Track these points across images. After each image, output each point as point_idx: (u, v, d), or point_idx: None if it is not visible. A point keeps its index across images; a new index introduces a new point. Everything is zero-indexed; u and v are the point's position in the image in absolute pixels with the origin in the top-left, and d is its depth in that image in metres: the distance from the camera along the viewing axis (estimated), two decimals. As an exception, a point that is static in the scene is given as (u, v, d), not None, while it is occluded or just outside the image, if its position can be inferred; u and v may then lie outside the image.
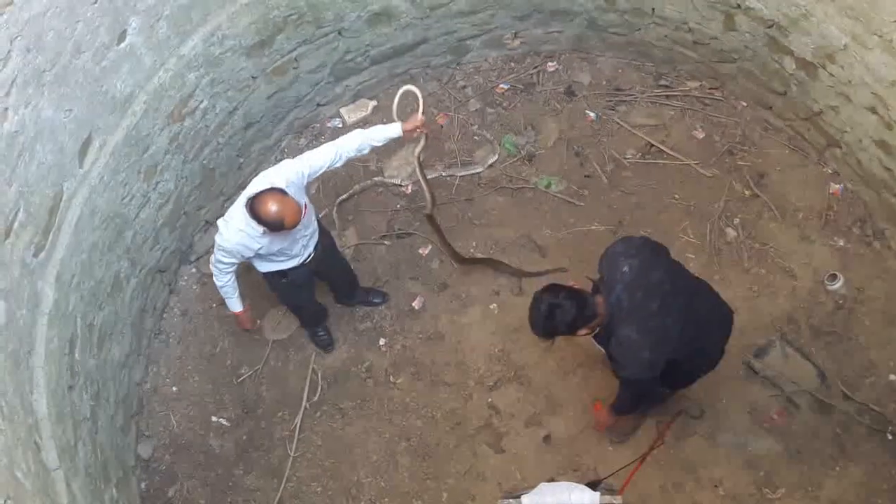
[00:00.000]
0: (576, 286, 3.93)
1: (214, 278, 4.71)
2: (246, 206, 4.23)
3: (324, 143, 4.70)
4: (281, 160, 4.56)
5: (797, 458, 5.15)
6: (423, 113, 4.71)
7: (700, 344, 4.18)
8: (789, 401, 5.29)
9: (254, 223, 4.25)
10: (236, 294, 4.85)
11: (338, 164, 4.60)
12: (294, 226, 4.21)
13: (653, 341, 3.82)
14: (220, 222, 4.42)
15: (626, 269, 3.83)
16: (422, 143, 5.01)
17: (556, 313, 3.75)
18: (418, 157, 5.14)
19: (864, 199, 5.78)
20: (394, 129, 4.63)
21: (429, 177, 6.13)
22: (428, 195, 5.30)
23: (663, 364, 3.93)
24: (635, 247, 3.93)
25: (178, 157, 5.38)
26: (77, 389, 4.58)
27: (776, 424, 5.24)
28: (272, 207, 4.09)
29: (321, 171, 4.55)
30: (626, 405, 4.56)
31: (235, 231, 4.34)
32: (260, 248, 4.44)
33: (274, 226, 4.16)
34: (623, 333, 3.82)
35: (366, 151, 4.67)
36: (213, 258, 4.59)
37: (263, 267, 4.81)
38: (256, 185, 4.29)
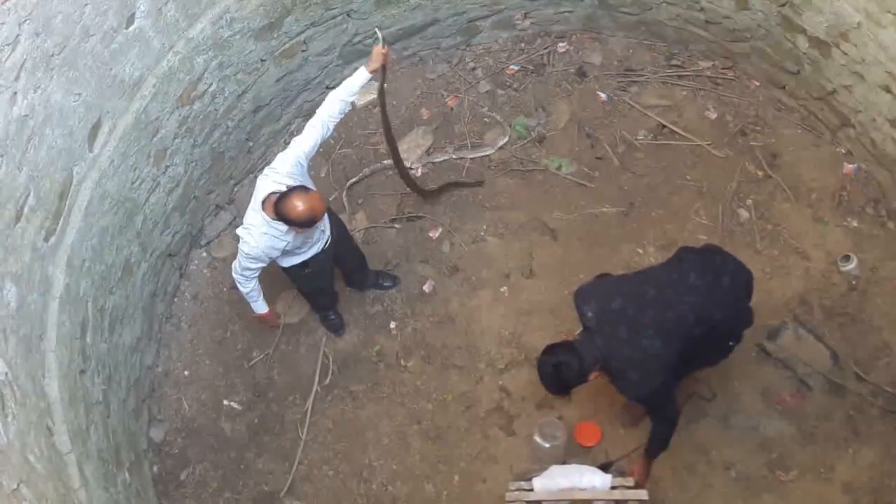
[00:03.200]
0: (569, 338, 4.27)
1: (239, 286, 4.76)
2: (263, 205, 4.30)
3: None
4: (290, 142, 4.55)
5: (810, 440, 5.13)
6: (383, 46, 4.64)
7: (712, 322, 4.16)
8: (802, 382, 5.26)
9: (276, 223, 4.31)
10: (261, 296, 4.91)
11: (328, 134, 4.61)
12: (323, 214, 4.27)
13: (643, 367, 4.01)
14: (239, 232, 4.46)
15: (589, 314, 4.10)
16: (381, 75, 4.93)
17: (562, 370, 4.00)
18: (380, 90, 5.11)
19: (877, 179, 5.73)
20: (360, 75, 4.59)
21: (439, 159, 6.16)
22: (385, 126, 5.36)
23: (673, 361, 4.07)
24: (588, 290, 4.22)
25: (187, 141, 5.37)
26: (89, 373, 4.60)
27: (789, 406, 5.22)
28: (300, 206, 4.15)
29: (315, 149, 4.57)
30: (666, 437, 4.49)
31: (260, 235, 4.37)
32: (286, 245, 4.47)
33: (308, 222, 4.22)
34: (613, 367, 4.05)
35: (348, 109, 4.65)
36: (235, 267, 4.62)
37: (287, 262, 4.83)
38: (263, 189, 4.35)
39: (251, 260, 4.48)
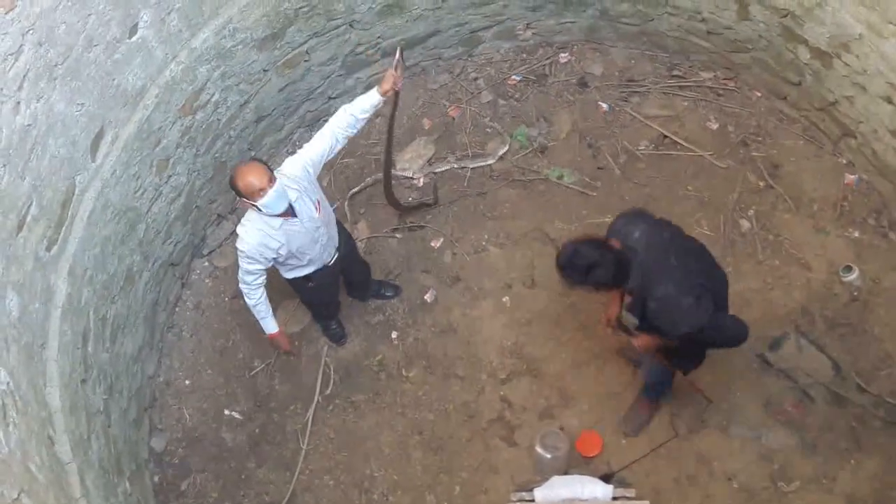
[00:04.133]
0: (613, 243, 3.84)
1: (246, 298, 4.69)
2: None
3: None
4: (293, 153, 4.57)
5: (812, 450, 5.12)
6: (396, 69, 4.59)
7: (716, 289, 4.12)
8: (804, 393, 5.26)
9: (268, 219, 4.32)
10: (270, 313, 4.81)
11: (339, 147, 4.61)
12: (267, 180, 4.16)
13: (688, 288, 3.80)
14: (238, 229, 4.47)
15: (637, 234, 3.85)
16: (392, 104, 4.97)
17: (595, 271, 3.69)
18: (391, 115, 5.13)
19: (879, 189, 5.73)
20: (372, 96, 4.56)
21: (440, 169, 6.17)
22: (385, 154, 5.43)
23: (711, 304, 3.88)
24: (635, 214, 4.00)
25: (189, 151, 5.39)
26: (90, 383, 4.60)
27: (791, 417, 5.21)
28: (233, 175, 4.19)
29: (324, 160, 4.57)
30: (691, 358, 4.45)
31: (254, 231, 4.38)
32: (280, 247, 4.47)
33: (249, 187, 4.14)
34: (660, 293, 3.80)
35: (359, 126, 4.63)
36: (239, 276, 4.60)
37: (290, 273, 4.83)
38: None
39: (247, 259, 4.47)
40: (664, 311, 3.86)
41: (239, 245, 4.44)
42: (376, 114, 4.76)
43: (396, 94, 4.81)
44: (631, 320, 4.16)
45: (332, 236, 4.83)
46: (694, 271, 3.89)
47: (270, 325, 4.88)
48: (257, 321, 4.88)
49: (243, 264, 4.50)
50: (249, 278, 4.57)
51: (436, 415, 5.47)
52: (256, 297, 4.67)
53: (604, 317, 4.57)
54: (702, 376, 5.28)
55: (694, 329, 3.90)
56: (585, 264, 3.69)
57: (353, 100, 4.61)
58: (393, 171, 6.18)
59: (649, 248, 3.82)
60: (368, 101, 4.55)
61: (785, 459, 5.11)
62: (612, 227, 4.03)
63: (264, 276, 4.62)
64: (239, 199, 4.28)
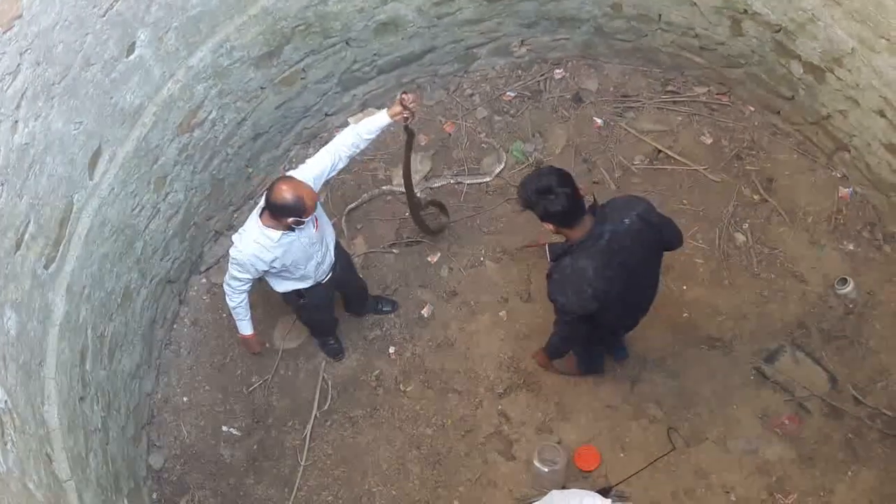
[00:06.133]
0: (583, 190, 3.96)
1: (227, 298, 4.76)
2: (261, 214, 4.33)
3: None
4: (289, 170, 4.59)
5: (809, 463, 5.13)
6: (404, 95, 4.56)
7: (631, 303, 4.32)
8: (800, 406, 5.27)
9: (268, 231, 4.33)
10: (248, 317, 4.92)
11: (341, 165, 4.64)
12: (314, 205, 4.24)
13: (602, 284, 3.92)
14: (234, 236, 4.49)
15: (627, 221, 3.95)
16: (407, 136, 4.99)
17: (548, 197, 3.77)
18: (406, 156, 5.16)
19: (873, 202, 5.76)
20: (380, 118, 4.57)
21: (436, 185, 6.19)
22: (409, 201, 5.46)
23: (592, 308, 4.00)
24: (643, 209, 4.04)
25: (187, 168, 5.41)
26: (88, 400, 4.60)
27: (787, 430, 5.22)
28: (286, 191, 4.15)
29: (325, 177, 4.58)
30: (556, 346, 4.60)
31: (250, 242, 4.39)
32: (274, 261, 4.47)
33: (296, 208, 4.18)
34: (581, 263, 3.90)
35: (363, 146, 4.66)
36: (225, 278, 4.64)
37: (281, 286, 4.85)
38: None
39: (237, 267, 4.49)
40: (567, 277, 3.97)
41: (232, 252, 4.47)
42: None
43: (411, 134, 4.88)
44: (546, 257, 4.26)
45: (328, 255, 4.85)
46: (616, 285, 3.98)
47: (246, 328, 5.01)
48: (233, 320, 4.99)
49: (233, 270, 4.53)
50: (235, 283, 4.61)
51: (434, 429, 5.47)
52: (238, 301, 4.75)
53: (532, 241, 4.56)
54: (699, 390, 5.32)
55: (561, 306, 4.09)
56: (543, 186, 3.78)
57: (350, 117, 4.63)
58: (389, 187, 6.23)
59: (617, 236, 3.92)
60: (375, 123, 4.57)
61: (782, 472, 5.12)
62: (623, 198, 4.18)
63: (250, 284, 4.65)
64: (270, 213, 4.27)
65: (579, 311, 4.03)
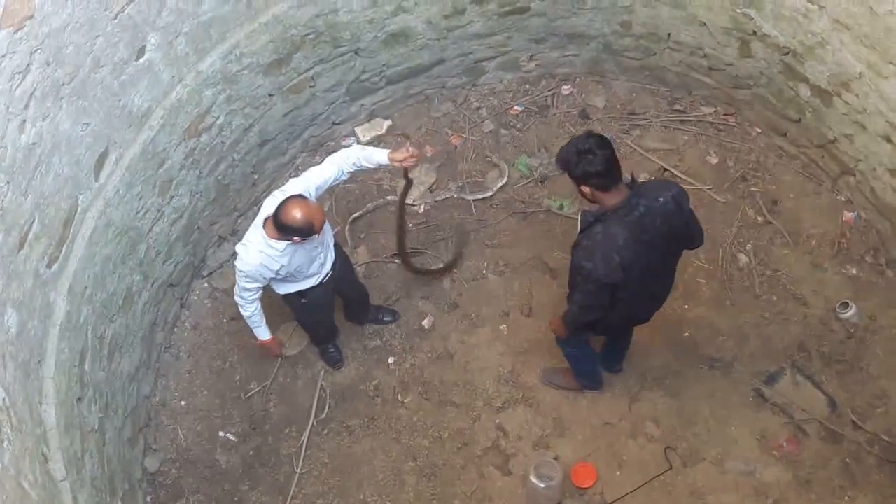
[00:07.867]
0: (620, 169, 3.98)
1: (241, 309, 4.76)
2: (264, 224, 4.34)
3: (337, 161, 4.74)
4: (294, 177, 4.60)
5: (806, 486, 5.10)
6: (412, 145, 4.64)
7: (647, 289, 4.32)
8: (799, 429, 5.25)
9: (273, 242, 4.33)
10: (264, 322, 4.91)
11: (343, 178, 4.67)
12: (322, 226, 4.27)
13: (629, 255, 3.92)
14: (238, 248, 4.48)
15: (661, 199, 3.97)
16: (404, 185, 5.05)
17: (587, 157, 3.82)
18: (400, 201, 5.19)
19: (877, 227, 5.76)
20: (382, 156, 4.62)
21: (441, 197, 6.19)
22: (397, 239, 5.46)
23: (617, 278, 3.98)
24: (678, 192, 4.07)
25: (193, 173, 5.42)
26: (86, 401, 4.60)
27: (786, 452, 5.21)
28: (297, 213, 4.15)
29: (327, 186, 4.61)
30: (575, 315, 4.53)
31: (256, 253, 4.39)
32: (280, 269, 4.48)
33: (305, 230, 4.21)
34: (613, 230, 3.91)
35: (362, 170, 4.72)
36: (236, 291, 4.64)
37: (282, 289, 4.86)
38: (267, 208, 4.36)
39: (246, 279, 4.50)
40: (596, 243, 3.96)
41: (239, 265, 4.46)
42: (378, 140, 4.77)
43: (409, 182, 4.95)
44: (581, 221, 4.25)
45: (329, 254, 4.87)
46: (640, 260, 3.99)
47: (264, 333, 4.98)
48: (251, 329, 4.97)
49: (241, 282, 4.54)
50: (247, 294, 4.62)
51: (430, 441, 5.46)
52: (252, 310, 4.74)
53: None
54: (698, 410, 5.31)
55: (587, 273, 4.00)
56: (584, 147, 3.83)
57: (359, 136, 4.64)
58: (393, 198, 6.23)
59: (652, 212, 3.94)
60: (377, 157, 4.62)
61: (779, 494, 5.09)
62: (658, 179, 4.18)
63: (260, 292, 4.67)
64: (277, 228, 4.27)
65: (604, 278, 3.97)
